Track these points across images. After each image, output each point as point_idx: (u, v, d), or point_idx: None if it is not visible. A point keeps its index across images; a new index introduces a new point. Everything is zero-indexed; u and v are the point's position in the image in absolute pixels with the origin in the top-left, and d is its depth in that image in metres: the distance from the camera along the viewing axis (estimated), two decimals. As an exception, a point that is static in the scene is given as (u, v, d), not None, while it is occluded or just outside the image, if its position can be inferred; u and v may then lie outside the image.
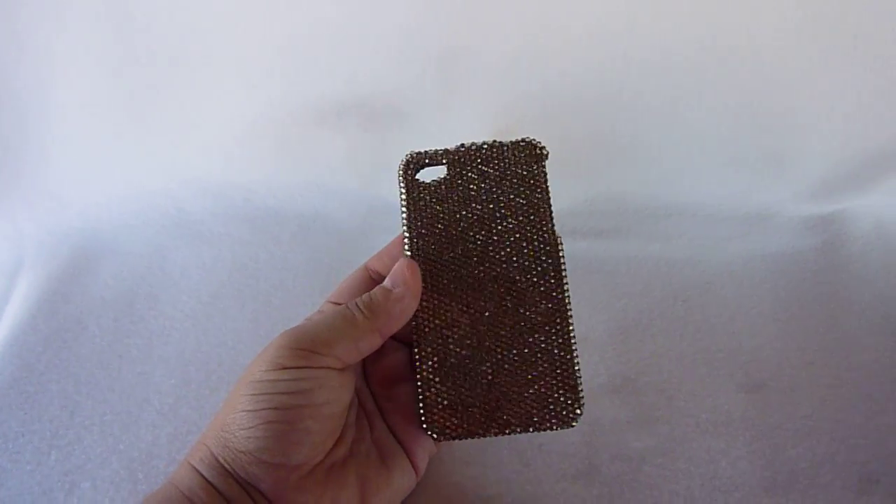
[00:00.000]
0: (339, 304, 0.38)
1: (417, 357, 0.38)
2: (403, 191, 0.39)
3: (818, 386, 0.49)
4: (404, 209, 0.39)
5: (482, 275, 0.39)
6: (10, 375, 0.49)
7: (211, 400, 0.48)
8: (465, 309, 0.38)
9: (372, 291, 0.37)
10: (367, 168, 0.57)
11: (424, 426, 0.37)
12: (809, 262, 0.56)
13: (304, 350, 0.34)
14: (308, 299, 0.54)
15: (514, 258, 0.39)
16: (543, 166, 0.40)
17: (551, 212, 0.40)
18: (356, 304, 0.36)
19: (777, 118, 0.57)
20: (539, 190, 0.40)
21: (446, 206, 0.39)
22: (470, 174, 0.40)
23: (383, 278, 0.38)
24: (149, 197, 0.58)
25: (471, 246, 0.39)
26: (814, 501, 0.43)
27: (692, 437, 0.46)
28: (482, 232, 0.39)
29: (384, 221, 0.57)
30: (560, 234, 0.39)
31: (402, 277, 0.37)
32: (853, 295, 0.53)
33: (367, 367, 0.40)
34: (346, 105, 0.54)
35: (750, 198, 0.58)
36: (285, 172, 0.58)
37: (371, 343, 0.36)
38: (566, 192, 0.57)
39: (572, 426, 0.37)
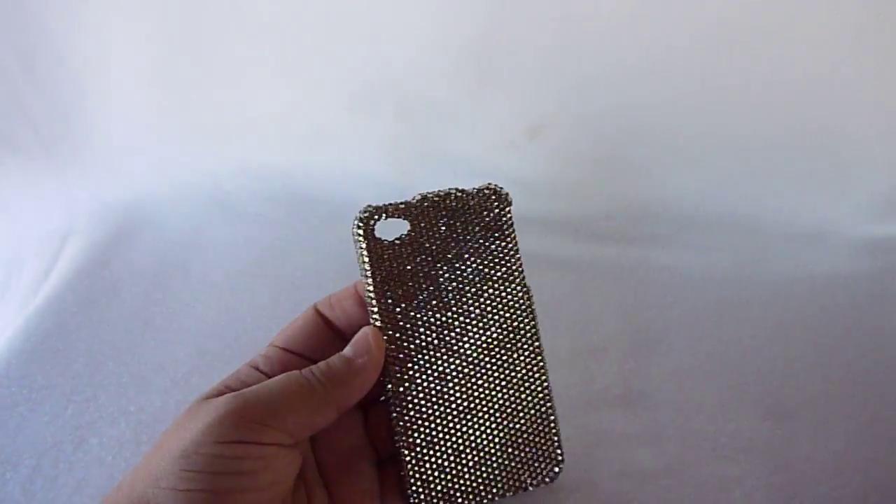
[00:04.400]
0: (286, 351, 0.36)
1: (399, 427, 0.36)
2: (364, 250, 0.36)
3: (854, 421, 0.45)
4: (367, 269, 0.36)
5: (454, 334, 0.37)
6: (44, 331, 0.51)
7: (223, 372, 0.48)
8: (439, 371, 0.37)
9: (331, 359, 0.33)
10: (400, 158, 0.57)
11: (412, 500, 0.35)
12: (861, 288, 0.51)
13: (253, 422, 0.29)
14: (331, 284, 0.53)
15: (486, 314, 0.37)
16: (509, 213, 0.38)
17: (520, 261, 0.38)
18: (313, 371, 0.33)
19: (837, 131, 0.53)
20: (507, 239, 0.38)
21: (411, 264, 0.37)
22: (433, 227, 0.37)
23: (333, 328, 0.37)
24: (192, 174, 0.60)
25: (440, 304, 0.37)
26: (834, 546, 0.39)
27: (706, 461, 0.43)
28: (450, 288, 0.37)
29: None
30: (529, 287, 0.38)
31: (366, 347, 0.34)
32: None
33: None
34: (381, 92, 0.54)
35: (802, 214, 0.54)
36: (321, 158, 0.59)
37: (327, 417, 0.32)
38: (597, 193, 0.55)
39: (548, 482, 0.37)
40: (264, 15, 0.54)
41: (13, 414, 0.46)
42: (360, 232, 0.36)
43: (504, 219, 0.38)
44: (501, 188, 0.38)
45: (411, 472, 0.36)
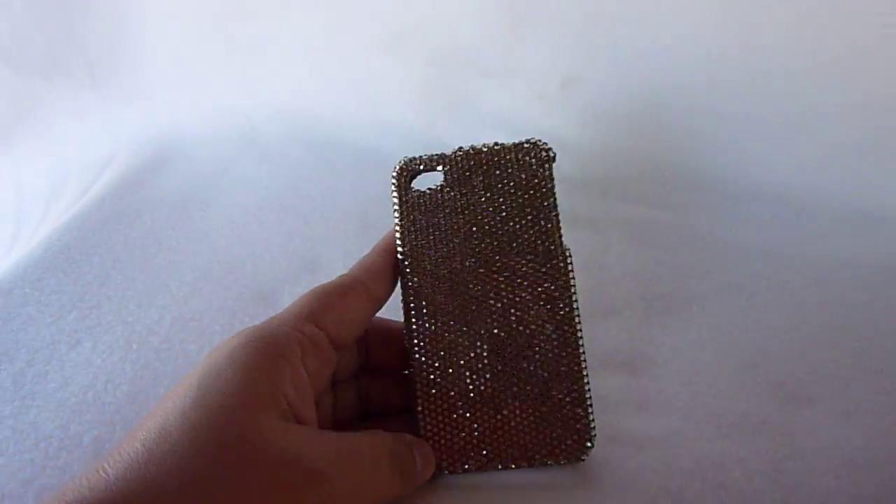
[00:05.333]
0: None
1: (416, 386, 0.35)
2: (396, 200, 0.36)
3: (882, 418, 0.39)
4: (398, 220, 0.36)
5: (484, 292, 0.35)
6: (64, 243, 0.53)
7: (222, 296, 0.49)
8: (465, 329, 0.35)
9: (404, 451, 0.32)
10: (428, 106, 0.56)
11: None
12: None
13: None
14: (343, 225, 0.53)
15: (519, 273, 0.35)
16: (550, 170, 0.36)
17: (559, 221, 0.36)
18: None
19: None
20: (546, 197, 0.36)
21: (444, 216, 0.36)
22: (470, 181, 0.36)
23: (380, 305, 0.35)
24: (227, 111, 0.61)
25: (471, 260, 0.36)
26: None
27: (707, 437, 0.39)
28: (483, 244, 0.36)
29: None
30: (569, 247, 0.36)
31: (429, 465, 0.33)
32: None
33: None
34: (412, 36, 0.53)
35: (854, 194, 0.49)
36: (351, 101, 0.58)
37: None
38: (629, 154, 0.52)
39: (581, 460, 0.35)
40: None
41: (21, 312, 0.48)
42: (395, 181, 0.36)
43: (544, 175, 0.36)
44: (544, 143, 0.36)
45: (423, 426, 0.34)
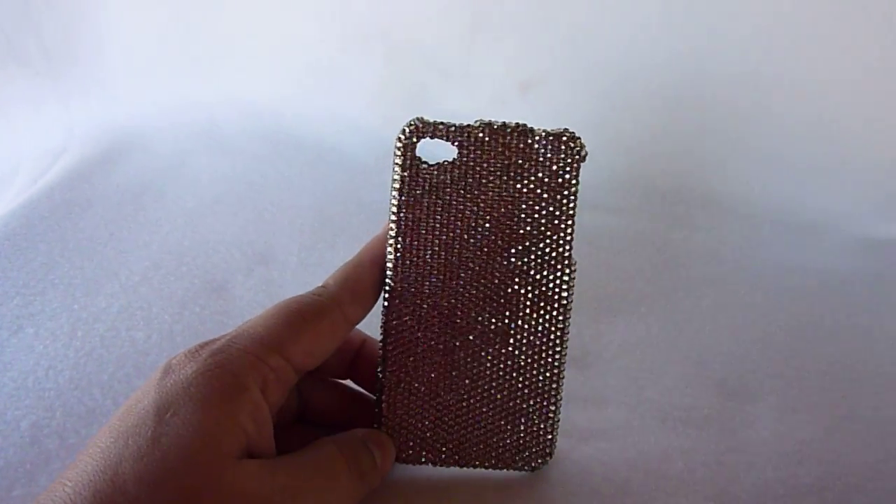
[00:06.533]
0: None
1: (384, 374, 0.33)
2: (399, 167, 0.32)
3: (825, 414, 0.41)
4: (396, 190, 0.32)
5: (476, 287, 0.33)
6: (11, 230, 0.52)
7: (173, 286, 0.48)
8: (448, 323, 0.33)
9: (360, 451, 0.31)
10: (387, 104, 0.56)
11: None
12: (855, 286, 0.47)
13: None
14: (299, 221, 0.53)
15: (518, 275, 0.33)
16: (579, 169, 0.32)
17: (574, 229, 0.33)
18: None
19: (846, 126, 0.50)
20: (568, 199, 0.32)
21: (450, 196, 0.32)
22: (487, 161, 0.32)
23: (352, 325, 0.32)
24: (187, 105, 0.60)
25: (469, 251, 0.33)
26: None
27: (651, 429, 0.40)
28: (487, 236, 0.33)
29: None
30: (576, 260, 0.33)
31: (388, 458, 0.33)
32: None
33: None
34: (372, 34, 0.53)
35: (802, 206, 0.51)
36: (310, 98, 0.58)
37: None
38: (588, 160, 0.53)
39: (535, 470, 0.35)
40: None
41: (-39, 296, 0.46)
42: (400, 146, 0.32)
43: (571, 174, 0.32)
44: (578, 137, 0.32)
45: (385, 411, 0.33)
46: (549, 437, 0.34)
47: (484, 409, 0.34)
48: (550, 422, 0.34)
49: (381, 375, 0.33)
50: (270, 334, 0.29)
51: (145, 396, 0.27)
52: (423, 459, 0.34)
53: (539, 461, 0.34)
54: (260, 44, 0.57)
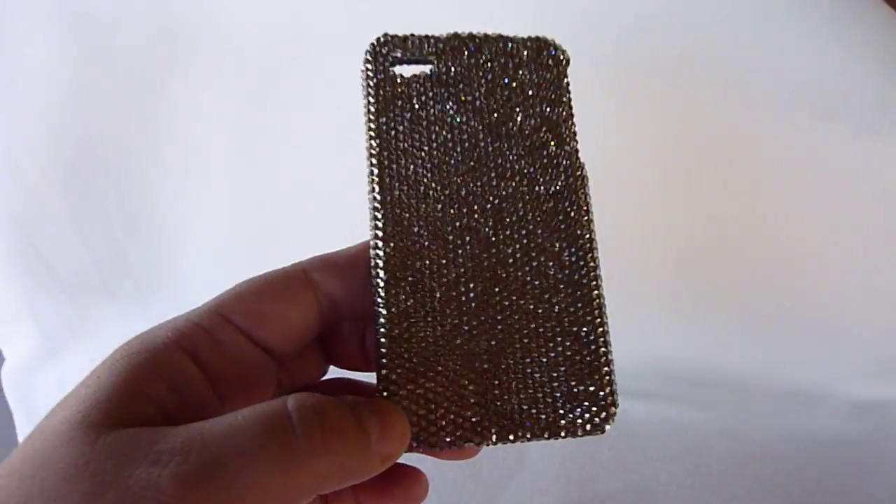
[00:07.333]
0: (239, 331, 0.27)
1: (379, 326, 0.27)
2: (370, 82, 0.30)
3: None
4: (372, 107, 0.29)
5: (476, 211, 0.29)
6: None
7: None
8: (451, 259, 0.28)
9: (328, 404, 0.23)
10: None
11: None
12: (852, 448, 0.55)
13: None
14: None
15: (521, 191, 0.29)
16: (566, 73, 0.31)
17: (574, 131, 0.30)
18: (291, 410, 0.22)
19: (831, 293, 0.59)
20: (557, 103, 0.31)
21: (430, 111, 0.30)
22: (464, 71, 0.30)
23: (334, 304, 0.28)
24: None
25: (461, 170, 0.29)
26: None
27: None
28: (476, 151, 0.30)
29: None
30: (584, 163, 0.30)
31: (391, 435, 0.24)
32: (892, 489, 0.52)
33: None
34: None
35: (797, 375, 0.59)
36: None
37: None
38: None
39: (602, 431, 0.27)
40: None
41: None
42: (370, 59, 0.30)
43: (558, 78, 0.31)
44: (559, 44, 0.32)
45: (387, 379, 0.26)
46: (602, 378, 0.27)
47: (515, 357, 0.27)
48: (604, 365, 0.27)
49: (378, 325, 0.27)
50: (210, 302, 0.27)
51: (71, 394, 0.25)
52: (449, 439, 0.26)
53: (599, 418, 0.27)
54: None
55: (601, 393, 0.27)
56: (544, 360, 0.27)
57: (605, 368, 0.27)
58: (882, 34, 0.52)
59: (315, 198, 0.65)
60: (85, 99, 0.65)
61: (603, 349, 0.27)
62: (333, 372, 0.34)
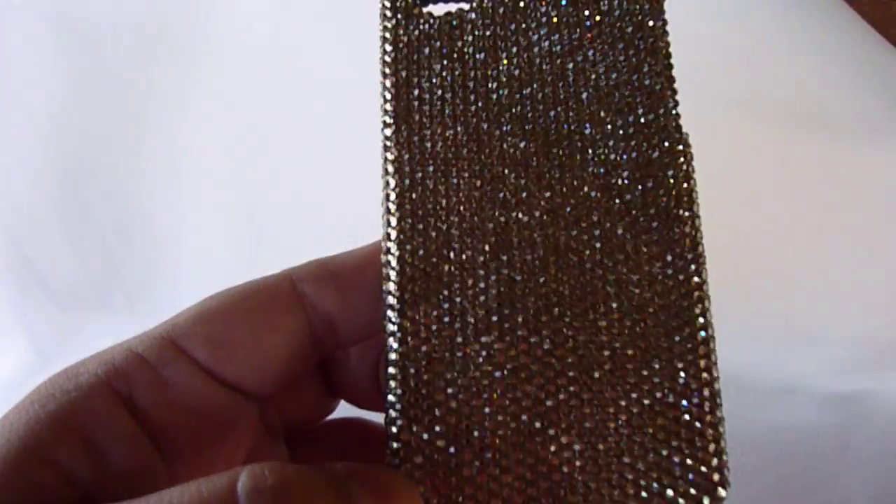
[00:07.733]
0: (190, 360, 0.20)
1: (394, 366, 0.20)
2: (390, 27, 0.22)
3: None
4: (389, 64, 0.21)
5: (531, 204, 0.20)
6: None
7: None
8: (491, 266, 0.20)
9: (299, 482, 0.16)
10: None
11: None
12: (824, 439, 0.59)
13: None
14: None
15: (596, 176, 0.21)
16: (662, 12, 0.22)
17: (674, 90, 0.22)
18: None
19: (805, 294, 0.63)
20: (653, 49, 0.21)
21: (469, 61, 0.21)
22: (520, 9, 0.22)
23: (331, 326, 0.21)
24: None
25: (510, 138, 0.21)
26: None
27: None
28: (533, 118, 0.21)
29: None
30: (687, 133, 0.22)
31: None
32: (865, 476, 0.56)
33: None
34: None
35: (773, 371, 0.63)
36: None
37: None
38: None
39: None
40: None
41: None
42: (388, 4, 0.22)
43: (655, 8, 0.22)
44: None
45: (395, 436, 0.19)
46: (713, 437, 0.20)
47: (578, 398, 0.19)
48: (705, 407, 0.20)
49: (390, 363, 0.20)
50: (160, 326, 0.21)
51: None
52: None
53: (710, 491, 0.19)
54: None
55: (702, 462, 0.20)
56: (627, 416, 0.20)
57: (714, 429, 0.20)
58: (858, 47, 0.56)
59: (311, 207, 0.66)
60: (76, 111, 0.65)
61: (711, 400, 0.21)
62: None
